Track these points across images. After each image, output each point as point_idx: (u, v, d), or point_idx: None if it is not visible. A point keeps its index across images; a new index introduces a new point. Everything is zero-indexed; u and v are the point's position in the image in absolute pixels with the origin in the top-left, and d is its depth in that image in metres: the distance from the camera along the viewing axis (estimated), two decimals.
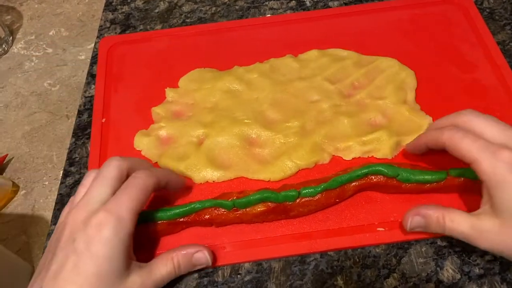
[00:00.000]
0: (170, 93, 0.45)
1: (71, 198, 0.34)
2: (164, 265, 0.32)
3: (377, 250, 0.34)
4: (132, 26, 0.53)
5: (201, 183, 0.39)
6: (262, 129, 0.41)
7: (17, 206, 1.11)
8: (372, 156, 0.39)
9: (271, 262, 0.35)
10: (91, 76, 0.49)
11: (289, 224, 0.36)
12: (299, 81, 0.44)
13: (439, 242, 0.34)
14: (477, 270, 0.33)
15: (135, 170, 0.33)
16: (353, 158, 0.39)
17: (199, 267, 0.34)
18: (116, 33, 0.53)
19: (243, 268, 0.34)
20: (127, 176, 0.32)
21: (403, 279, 0.33)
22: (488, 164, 0.28)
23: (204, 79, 0.46)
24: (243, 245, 0.35)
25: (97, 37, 0.52)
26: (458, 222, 0.30)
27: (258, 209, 0.34)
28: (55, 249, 0.29)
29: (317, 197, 0.34)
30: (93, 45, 0.55)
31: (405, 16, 0.49)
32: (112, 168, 0.31)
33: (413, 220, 0.33)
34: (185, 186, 0.38)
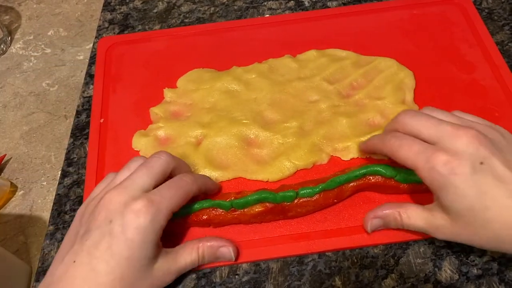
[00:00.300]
0: (168, 93, 0.45)
1: (110, 175, 0.34)
2: (189, 254, 0.33)
3: (375, 251, 0.34)
4: (131, 26, 0.53)
5: None
6: (260, 129, 0.41)
7: (15, 206, 1.11)
8: (370, 157, 0.39)
9: (269, 263, 0.35)
10: (90, 76, 0.49)
11: (287, 225, 0.36)
12: (297, 81, 0.44)
13: (437, 243, 0.34)
14: (475, 271, 0.33)
15: (179, 171, 0.34)
16: (351, 159, 0.39)
17: (222, 260, 0.34)
18: (114, 33, 0.52)
19: (241, 268, 0.34)
20: (170, 174, 0.33)
21: (401, 280, 0.33)
22: (426, 171, 0.29)
23: (202, 80, 0.46)
24: (241, 246, 0.35)
25: (96, 37, 0.52)
26: (414, 219, 0.32)
27: (256, 210, 0.34)
28: (90, 225, 0.30)
29: (315, 198, 0.34)
30: (91, 45, 0.55)
31: (404, 16, 0.49)
32: (162, 161, 0.32)
33: (372, 222, 0.34)
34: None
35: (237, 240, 0.35)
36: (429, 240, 0.35)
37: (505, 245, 0.28)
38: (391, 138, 0.32)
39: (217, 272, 0.34)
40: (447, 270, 0.33)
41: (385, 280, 0.33)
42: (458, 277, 0.33)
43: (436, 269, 0.33)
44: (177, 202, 0.31)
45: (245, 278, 0.34)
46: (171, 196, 0.31)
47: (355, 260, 0.34)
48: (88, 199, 0.33)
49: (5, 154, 1.18)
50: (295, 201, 0.34)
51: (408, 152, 0.30)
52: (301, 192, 0.34)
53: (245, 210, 0.34)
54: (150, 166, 0.32)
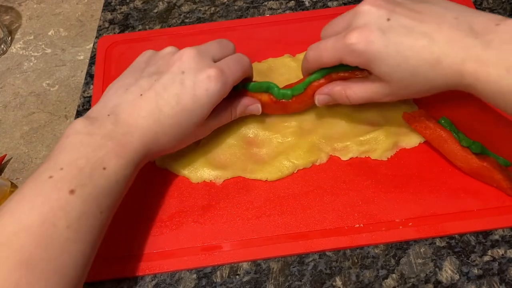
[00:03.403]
0: None
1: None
2: (223, 114, 0.37)
3: (376, 251, 0.34)
4: (131, 26, 0.53)
5: (198, 183, 0.39)
6: (259, 128, 0.41)
7: None
8: (369, 157, 0.39)
9: (270, 263, 0.34)
10: (90, 76, 0.49)
11: (285, 224, 0.36)
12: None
13: (438, 243, 0.34)
14: (475, 271, 0.33)
15: None
16: (350, 158, 0.39)
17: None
18: (115, 33, 0.53)
19: (241, 268, 0.34)
20: None
21: (401, 280, 0.33)
22: (349, 56, 0.32)
23: None
24: (240, 245, 0.35)
25: (96, 37, 0.52)
26: (359, 93, 0.35)
27: (263, 99, 0.38)
28: (161, 68, 0.34)
29: (304, 91, 0.37)
30: (92, 45, 0.56)
31: None
32: (232, 47, 0.38)
33: (320, 98, 0.37)
34: (181, 186, 0.39)
35: (236, 239, 0.35)
36: (430, 240, 0.34)
37: (438, 83, 0.31)
38: (310, 52, 0.35)
39: (218, 272, 0.34)
40: (448, 270, 0.33)
41: (385, 280, 0.33)
42: (458, 277, 0.33)
43: (437, 269, 0.33)
44: (239, 77, 0.36)
45: (245, 278, 0.34)
46: (237, 70, 0.35)
47: (356, 260, 0.34)
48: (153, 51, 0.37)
49: (6, 154, 1.18)
50: (293, 99, 0.38)
51: (327, 53, 0.33)
52: (295, 88, 0.37)
53: (255, 93, 0.38)
54: (223, 46, 0.37)
